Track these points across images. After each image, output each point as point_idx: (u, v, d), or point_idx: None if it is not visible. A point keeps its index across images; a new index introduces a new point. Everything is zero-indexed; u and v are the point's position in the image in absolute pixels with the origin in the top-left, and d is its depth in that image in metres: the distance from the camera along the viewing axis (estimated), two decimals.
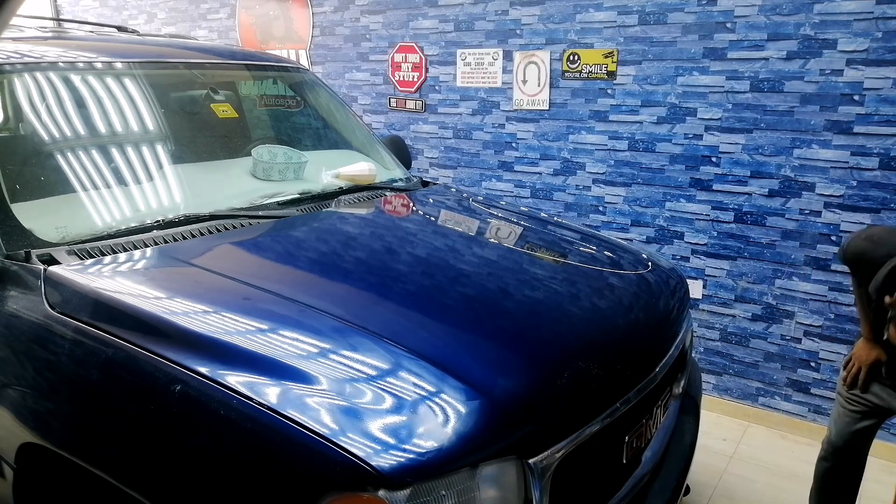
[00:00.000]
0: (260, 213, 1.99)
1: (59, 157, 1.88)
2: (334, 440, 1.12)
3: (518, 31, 3.57)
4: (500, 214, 2.41)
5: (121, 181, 1.91)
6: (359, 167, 2.47)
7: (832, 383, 2.97)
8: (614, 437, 1.53)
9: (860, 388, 2.05)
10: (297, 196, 2.19)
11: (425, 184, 2.69)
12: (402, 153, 2.90)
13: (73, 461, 1.36)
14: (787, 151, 2.93)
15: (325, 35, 4.38)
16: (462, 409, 1.22)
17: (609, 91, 3.34)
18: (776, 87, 2.91)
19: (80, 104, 1.97)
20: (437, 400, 1.23)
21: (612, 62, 3.30)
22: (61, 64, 2.01)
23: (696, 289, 3.24)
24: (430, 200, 2.45)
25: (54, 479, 1.47)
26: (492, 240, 2.11)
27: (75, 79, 2.00)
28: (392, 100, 4.17)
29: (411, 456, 1.12)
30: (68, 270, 1.53)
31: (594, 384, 1.46)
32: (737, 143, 3.04)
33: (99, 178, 1.89)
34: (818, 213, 2.90)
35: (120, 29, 2.81)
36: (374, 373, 1.27)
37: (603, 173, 3.45)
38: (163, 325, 1.36)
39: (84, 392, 1.38)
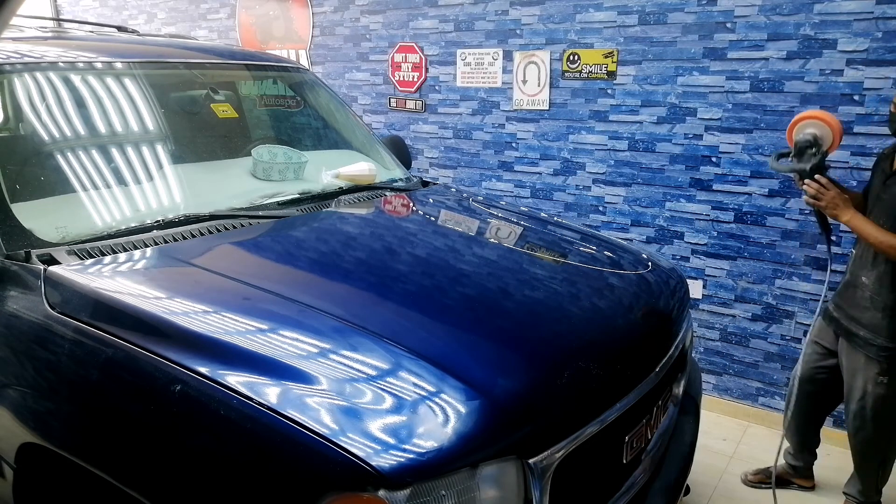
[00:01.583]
0: (260, 213, 1.99)
1: (59, 157, 1.88)
2: (334, 440, 1.12)
3: (518, 31, 3.57)
4: (500, 214, 2.41)
5: (121, 181, 1.91)
6: (359, 167, 2.47)
7: None
8: (614, 437, 1.53)
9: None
10: (297, 196, 2.19)
11: (425, 184, 2.69)
12: (402, 153, 2.90)
13: (73, 461, 1.36)
14: None
15: (325, 35, 4.38)
16: (462, 409, 1.22)
17: (609, 91, 3.34)
18: (776, 87, 2.91)
19: (80, 104, 1.97)
20: (437, 400, 1.23)
21: (612, 62, 3.30)
22: (61, 64, 2.01)
23: (696, 289, 3.24)
24: (430, 200, 2.45)
25: (54, 479, 1.47)
26: (492, 240, 2.11)
27: (75, 79, 2.00)
28: (392, 100, 4.17)
29: (411, 456, 1.12)
30: (68, 270, 1.53)
31: (594, 384, 1.46)
32: (737, 143, 3.04)
33: (99, 177, 1.89)
34: None
35: (120, 29, 2.81)
36: (374, 373, 1.27)
37: (603, 173, 3.45)
38: (163, 325, 1.36)
39: (84, 392, 1.38)
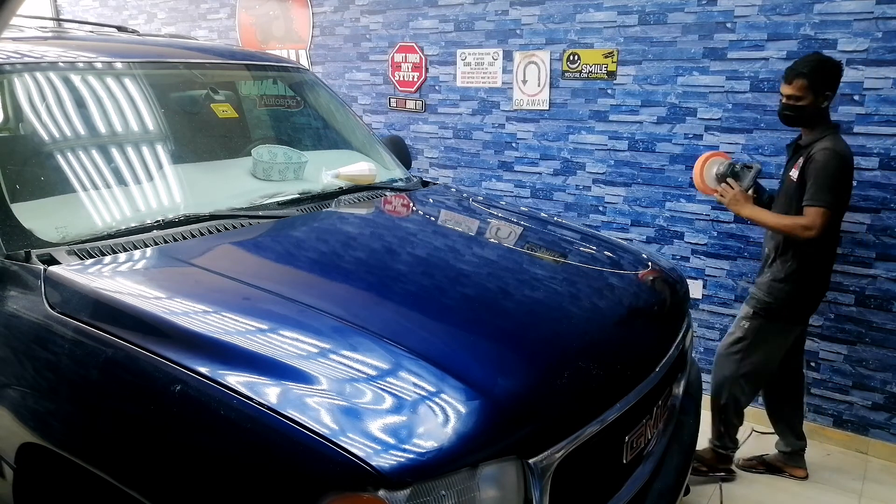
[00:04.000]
0: (260, 213, 1.99)
1: (59, 157, 1.88)
2: (334, 440, 1.12)
3: (518, 31, 3.57)
4: (500, 214, 2.41)
5: (121, 181, 1.91)
6: (359, 167, 2.47)
7: (832, 383, 2.97)
8: (614, 437, 1.53)
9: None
10: (297, 196, 2.19)
11: (425, 184, 2.69)
12: (402, 153, 2.90)
13: (73, 461, 1.36)
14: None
15: (325, 35, 4.38)
16: (462, 409, 1.22)
17: (609, 91, 3.34)
18: (776, 87, 2.90)
19: (80, 104, 1.97)
20: (437, 400, 1.23)
21: (612, 62, 3.29)
22: (61, 64, 2.01)
23: (696, 289, 3.24)
24: (430, 200, 2.45)
25: (54, 479, 1.47)
26: (492, 240, 2.11)
27: (75, 79, 2.00)
28: (392, 100, 4.17)
29: (411, 456, 1.12)
30: (68, 270, 1.53)
31: (594, 384, 1.46)
32: (737, 144, 3.04)
33: (99, 177, 1.89)
34: None
35: (120, 29, 2.81)
36: (374, 373, 1.27)
37: (603, 173, 3.45)
38: (163, 325, 1.36)
39: (84, 392, 1.38)
